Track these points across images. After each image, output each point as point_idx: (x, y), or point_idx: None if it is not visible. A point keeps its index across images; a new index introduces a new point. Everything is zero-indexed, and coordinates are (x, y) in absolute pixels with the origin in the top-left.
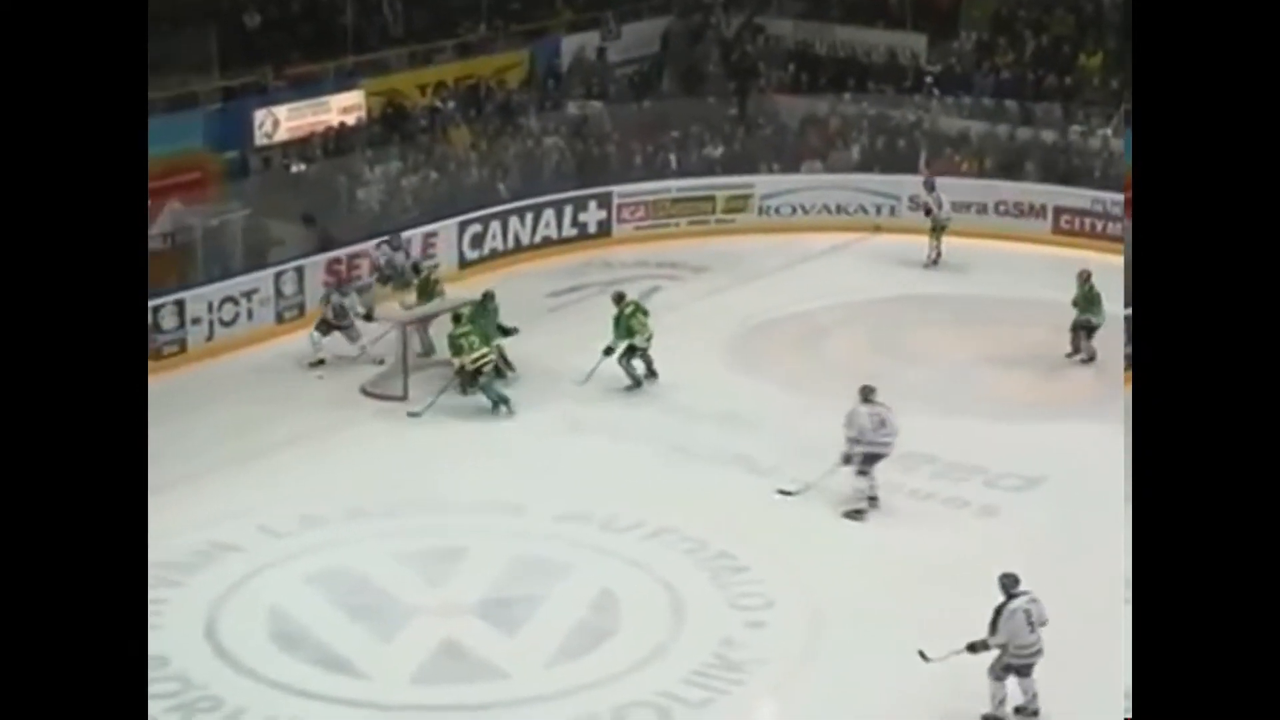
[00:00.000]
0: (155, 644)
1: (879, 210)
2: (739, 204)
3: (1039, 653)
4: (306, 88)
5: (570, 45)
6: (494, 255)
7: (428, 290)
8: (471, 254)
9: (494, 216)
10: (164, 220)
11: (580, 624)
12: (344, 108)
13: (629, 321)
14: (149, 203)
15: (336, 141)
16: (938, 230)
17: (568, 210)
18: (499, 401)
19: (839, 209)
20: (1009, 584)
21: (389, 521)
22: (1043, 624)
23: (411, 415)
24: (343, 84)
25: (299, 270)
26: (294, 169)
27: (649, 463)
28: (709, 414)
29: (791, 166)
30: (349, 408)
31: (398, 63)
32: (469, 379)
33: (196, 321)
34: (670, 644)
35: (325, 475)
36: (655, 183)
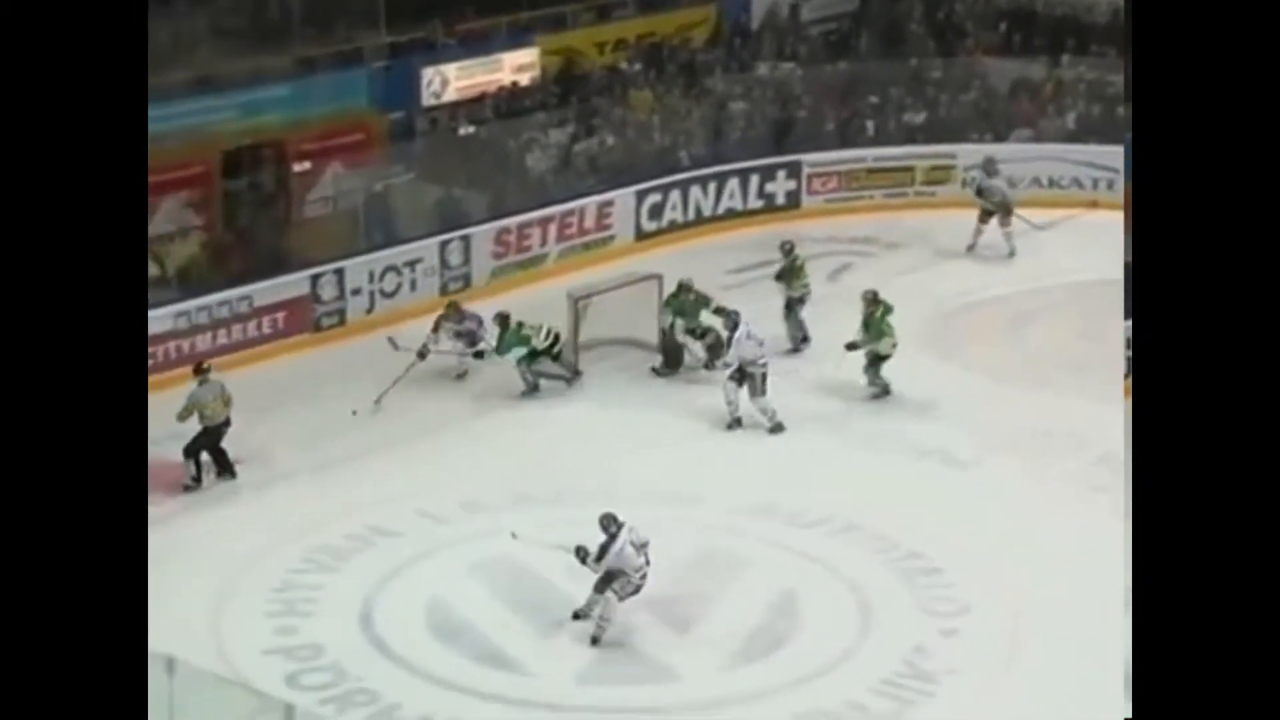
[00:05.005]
0: (310, 632)
1: (1095, 184)
2: (941, 175)
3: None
4: (477, 45)
5: (760, 1)
6: (673, 227)
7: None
8: (649, 225)
9: (674, 185)
10: (325, 184)
11: (759, 625)
12: (517, 67)
13: (880, 324)
14: (310, 164)
15: (508, 103)
16: (996, 214)
17: (754, 180)
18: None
19: (1051, 182)
20: (606, 524)
21: (555, 510)
22: (643, 544)
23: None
24: (516, 41)
25: (465, 239)
26: (462, 131)
27: (837, 453)
28: (901, 403)
29: (1000, 135)
30: (512, 385)
31: (575, 19)
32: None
33: (356, 292)
34: (857, 650)
35: (489, 459)
36: (849, 151)
